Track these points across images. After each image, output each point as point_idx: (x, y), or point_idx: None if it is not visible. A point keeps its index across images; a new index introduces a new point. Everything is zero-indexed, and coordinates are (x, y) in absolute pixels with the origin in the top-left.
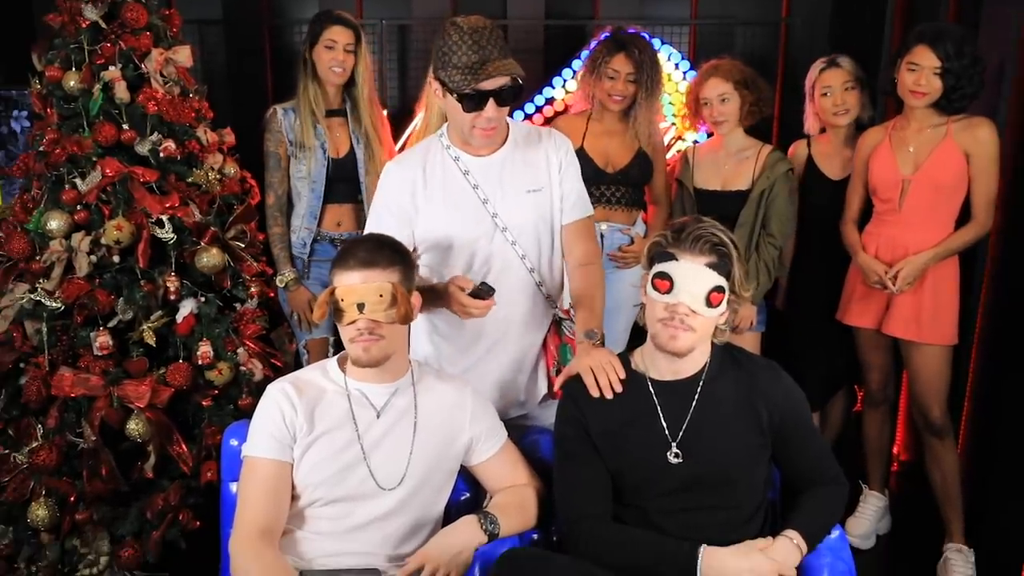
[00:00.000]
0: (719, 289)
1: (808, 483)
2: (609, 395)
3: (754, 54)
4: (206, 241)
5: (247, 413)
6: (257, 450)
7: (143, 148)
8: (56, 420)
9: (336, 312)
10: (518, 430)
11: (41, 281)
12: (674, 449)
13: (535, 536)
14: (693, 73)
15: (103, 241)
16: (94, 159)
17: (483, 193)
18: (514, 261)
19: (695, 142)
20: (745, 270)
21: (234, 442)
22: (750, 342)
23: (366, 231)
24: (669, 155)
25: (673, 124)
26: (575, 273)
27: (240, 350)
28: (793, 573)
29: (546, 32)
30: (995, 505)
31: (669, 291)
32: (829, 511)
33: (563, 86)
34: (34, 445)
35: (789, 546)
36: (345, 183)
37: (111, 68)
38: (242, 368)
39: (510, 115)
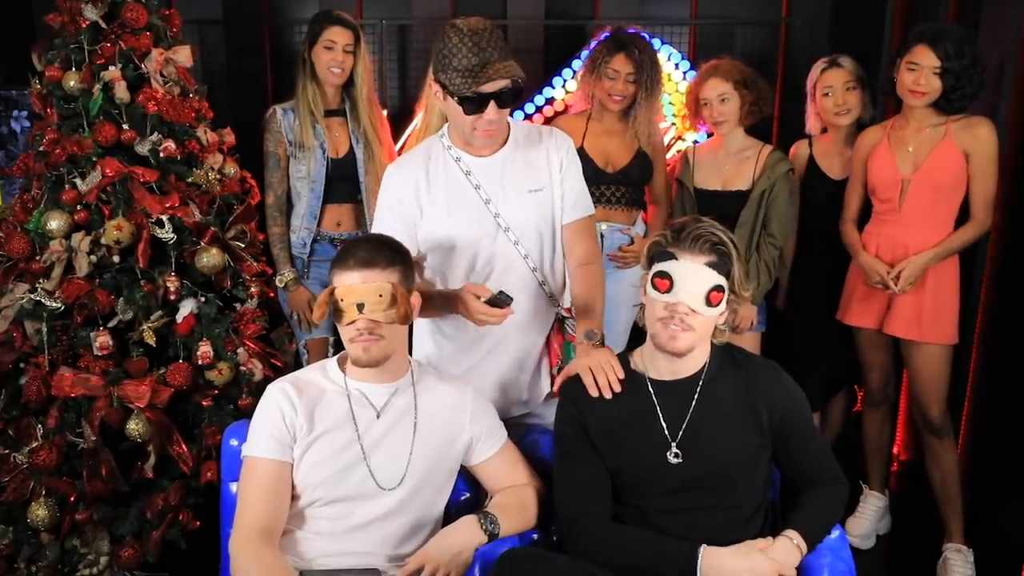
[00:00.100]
0: (719, 288)
1: (808, 483)
2: (608, 395)
3: (754, 54)
4: (206, 241)
5: (247, 413)
6: (257, 450)
7: (143, 148)
8: (56, 420)
9: (336, 312)
10: (518, 430)
11: (41, 281)
12: (674, 449)
13: (535, 536)
14: (693, 73)
15: (103, 241)
16: (94, 159)
17: (485, 193)
18: (516, 261)
19: (695, 142)
20: (745, 270)
21: (234, 442)
22: (750, 342)
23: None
24: (669, 155)
25: (673, 124)
26: (575, 273)
27: (240, 350)
28: (793, 573)
29: (546, 32)
30: (995, 505)
31: (669, 290)
32: (829, 511)
33: (563, 86)
34: (34, 445)
35: (789, 546)
36: (345, 183)
37: (111, 68)
38: (242, 368)
39: (510, 115)
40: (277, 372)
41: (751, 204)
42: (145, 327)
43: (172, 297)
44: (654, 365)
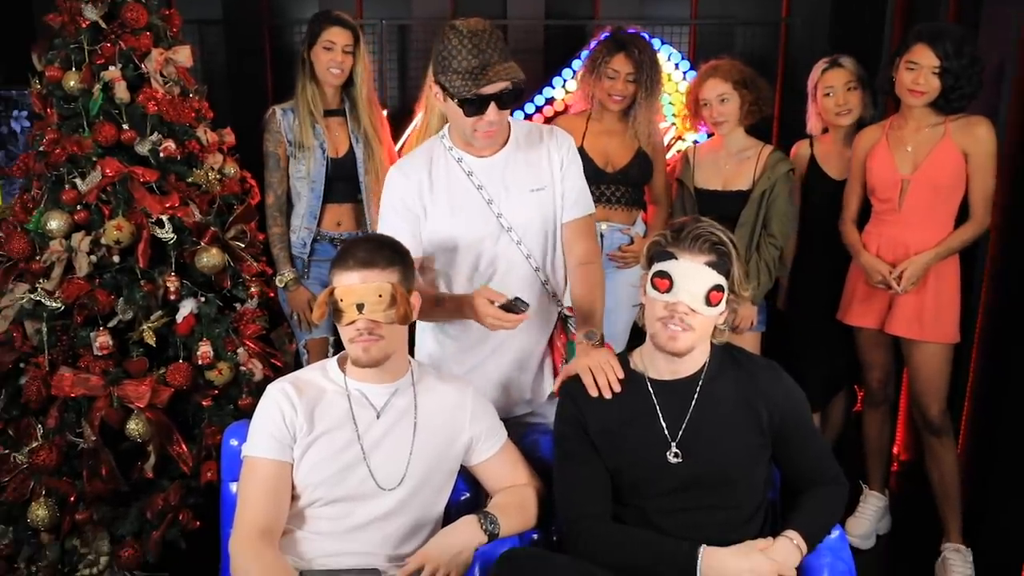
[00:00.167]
0: (718, 288)
1: (808, 483)
2: (608, 395)
3: (754, 54)
4: (206, 241)
5: (247, 413)
6: (257, 450)
7: (143, 148)
8: (56, 420)
9: (335, 312)
10: (520, 429)
11: (41, 281)
12: (673, 449)
13: (535, 536)
14: (693, 73)
15: (103, 241)
16: (94, 159)
17: (488, 194)
18: (519, 260)
19: (695, 142)
20: (744, 270)
21: (234, 442)
22: (750, 342)
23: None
24: (669, 155)
25: (673, 124)
26: (575, 272)
27: (240, 350)
28: (793, 573)
29: (546, 32)
30: (995, 505)
31: (668, 290)
32: (829, 511)
33: (563, 86)
34: (34, 445)
35: (789, 546)
36: (344, 182)
37: (111, 68)
38: (242, 368)
39: (510, 114)
40: (277, 372)
41: (751, 204)
42: (145, 327)
43: (172, 297)
44: (654, 365)
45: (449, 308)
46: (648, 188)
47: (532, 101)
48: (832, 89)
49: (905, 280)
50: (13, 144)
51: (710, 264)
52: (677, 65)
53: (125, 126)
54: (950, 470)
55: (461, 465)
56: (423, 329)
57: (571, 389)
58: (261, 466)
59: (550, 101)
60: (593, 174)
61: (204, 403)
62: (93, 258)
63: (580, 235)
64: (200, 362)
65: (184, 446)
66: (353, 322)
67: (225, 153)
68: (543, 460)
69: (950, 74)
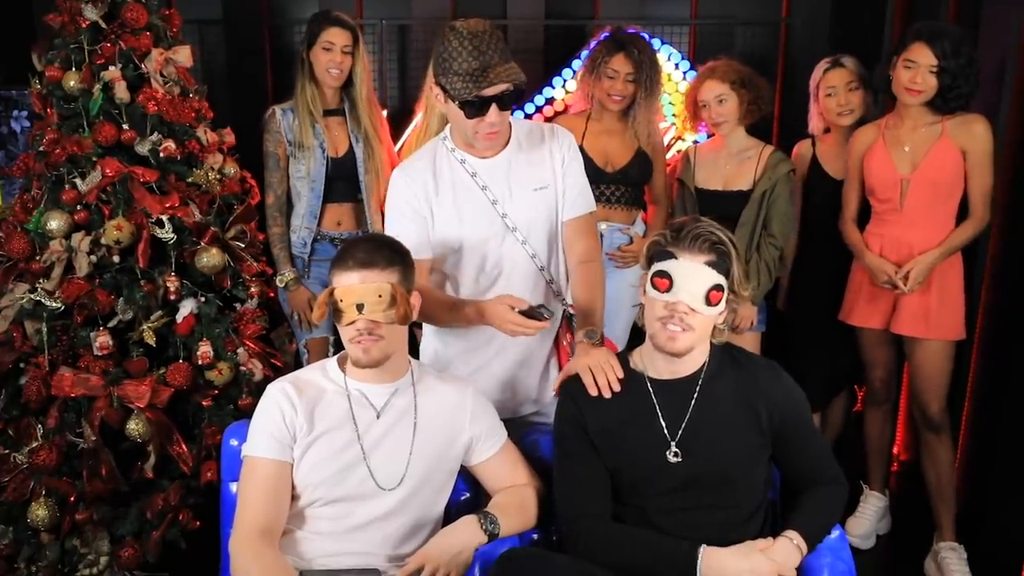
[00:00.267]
0: (718, 288)
1: (808, 483)
2: (607, 394)
3: (754, 54)
4: (206, 241)
5: (247, 413)
6: (257, 450)
7: (143, 148)
8: (56, 420)
9: (335, 312)
10: (519, 429)
11: (41, 281)
12: (673, 448)
13: (535, 536)
14: (693, 73)
15: (103, 241)
16: (94, 159)
17: (492, 194)
18: (524, 260)
19: (695, 142)
20: (744, 269)
21: (234, 442)
22: (750, 342)
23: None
24: (669, 155)
25: (673, 124)
26: (575, 271)
27: (240, 350)
28: (793, 574)
29: (546, 32)
30: (995, 504)
31: (668, 289)
32: (829, 511)
33: (563, 86)
34: (34, 445)
35: (789, 547)
36: (344, 182)
37: (111, 68)
38: (242, 368)
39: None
40: (277, 372)
41: (752, 204)
42: (145, 327)
43: (172, 297)
44: (653, 365)
45: (466, 313)
46: (648, 188)
47: (532, 101)
48: (834, 89)
49: (912, 280)
50: (13, 144)
51: (710, 264)
52: (677, 65)
53: (125, 126)
54: (946, 468)
55: (461, 465)
56: (428, 328)
57: (571, 388)
58: (261, 466)
59: (550, 101)
60: (593, 174)
61: (204, 403)
62: (93, 258)
63: (581, 233)
64: (200, 362)
65: (184, 446)
66: (353, 322)
67: (225, 153)
68: (543, 460)
69: (947, 73)
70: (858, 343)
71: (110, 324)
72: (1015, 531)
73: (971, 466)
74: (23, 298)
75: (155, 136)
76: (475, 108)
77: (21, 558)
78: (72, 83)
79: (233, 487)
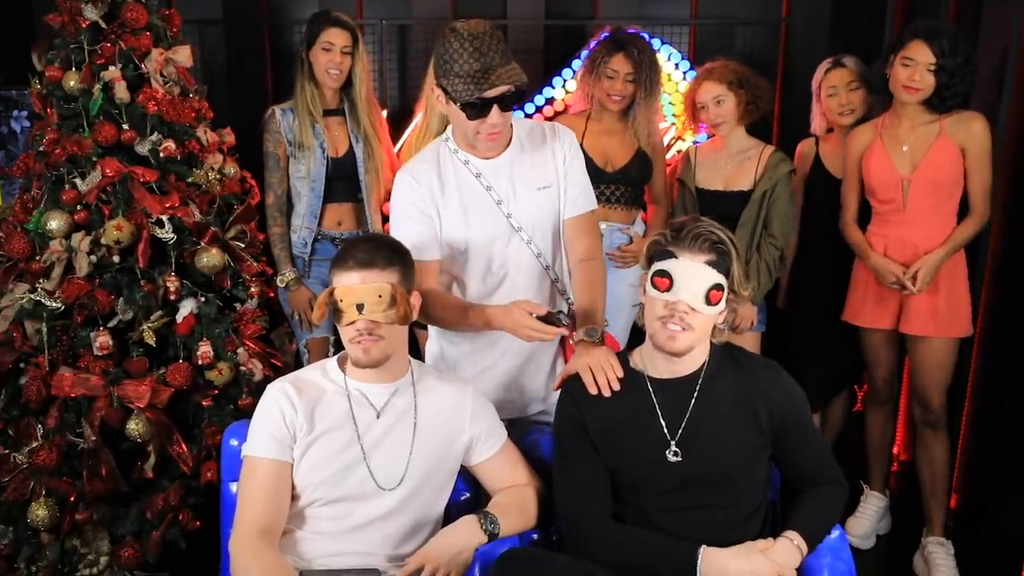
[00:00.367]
0: (718, 287)
1: (808, 483)
2: (607, 393)
3: (754, 54)
4: (206, 241)
5: (247, 413)
6: (257, 450)
7: (143, 148)
8: (56, 420)
9: (335, 312)
10: (523, 429)
11: (41, 281)
12: (673, 447)
13: (535, 536)
14: (693, 73)
15: (103, 241)
16: (94, 159)
17: (496, 194)
18: (530, 260)
19: (696, 142)
20: (744, 269)
21: (234, 442)
22: (750, 342)
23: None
24: (669, 155)
25: (673, 124)
26: (576, 269)
27: (240, 350)
28: (793, 574)
29: (546, 32)
30: (995, 503)
31: (668, 289)
32: (829, 511)
33: (563, 86)
34: (34, 445)
35: (790, 547)
36: (345, 182)
37: (111, 68)
38: (242, 368)
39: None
40: (277, 372)
41: (752, 204)
42: (145, 327)
43: (172, 297)
44: (653, 364)
45: (479, 318)
46: (648, 188)
47: (532, 101)
48: (835, 89)
49: (920, 280)
50: (13, 144)
51: (710, 263)
52: (677, 65)
53: (125, 126)
54: (941, 464)
55: (461, 465)
56: (434, 329)
57: (571, 388)
58: (261, 466)
59: (550, 101)
60: (593, 174)
61: (204, 403)
62: (93, 258)
63: (582, 231)
64: (200, 362)
65: (184, 446)
66: (353, 322)
67: (225, 153)
68: (543, 459)
69: (945, 71)
70: (862, 343)
71: (110, 324)
72: (1015, 530)
73: (971, 464)
74: (23, 298)
75: (155, 136)
76: (477, 110)
77: (21, 558)
78: (72, 83)
79: (233, 487)
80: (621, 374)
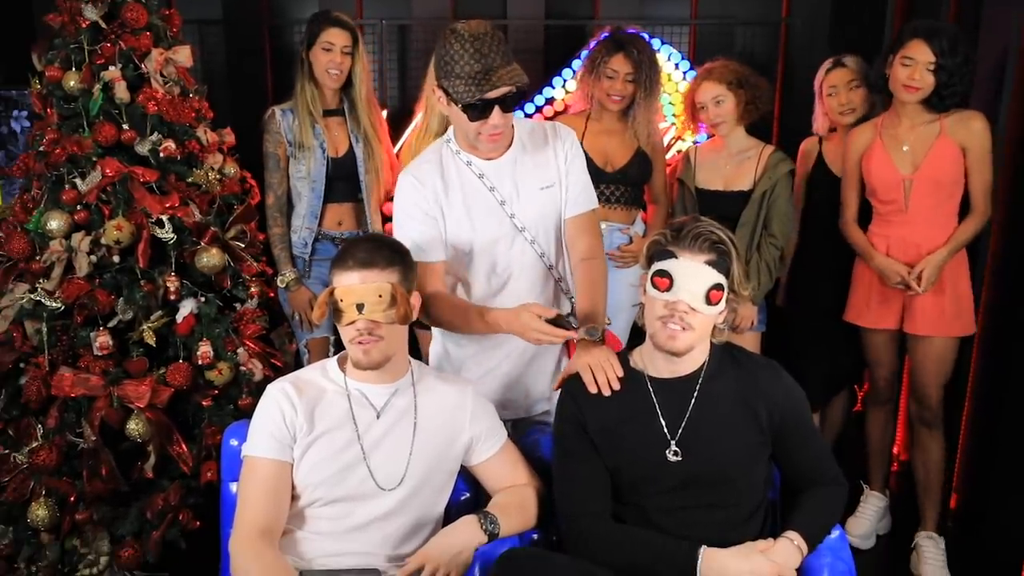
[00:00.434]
0: (718, 287)
1: (808, 483)
2: (607, 392)
3: (754, 54)
4: (206, 241)
5: (247, 413)
6: (257, 450)
7: (143, 148)
8: (56, 420)
9: (335, 312)
10: (521, 429)
11: (41, 281)
12: (673, 447)
13: (535, 536)
14: (693, 73)
15: (103, 241)
16: (94, 159)
17: (500, 195)
18: (534, 260)
19: (696, 142)
20: (744, 269)
21: (234, 442)
22: (751, 342)
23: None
24: (669, 155)
25: (673, 124)
26: (578, 268)
27: (240, 350)
28: (793, 574)
29: (546, 32)
30: (995, 503)
31: (669, 289)
32: (829, 511)
33: (563, 86)
34: (34, 445)
35: (790, 548)
36: (345, 182)
37: (111, 68)
38: (242, 368)
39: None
40: (277, 372)
41: (752, 204)
42: (145, 327)
43: (172, 297)
44: (653, 364)
45: (486, 321)
46: (647, 188)
47: (532, 101)
48: (835, 88)
49: (925, 280)
50: (13, 144)
51: (710, 263)
52: (677, 65)
53: (125, 126)
54: (936, 463)
55: (461, 465)
56: (438, 331)
57: (571, 387)
58: (261, 466)
59: (550, 101)
60: (592, 174)
61: (204, 403)
62: (93, 258)
63: (583, 230)
64: (200, 362)
65: (184, 446)
66: (353, 322)
67: (225, 153)
68: (543, 459)
69: (944, 71)
70: (864, 343)
71: (110, 324)
72: (1015, 530)
73: (971, 464)
74: (23, 298)
75: (155, 136)
76: (478, 111)
77: (21, 558)
78: (72, 83)
79: (233, 487)
80: (621, 373)
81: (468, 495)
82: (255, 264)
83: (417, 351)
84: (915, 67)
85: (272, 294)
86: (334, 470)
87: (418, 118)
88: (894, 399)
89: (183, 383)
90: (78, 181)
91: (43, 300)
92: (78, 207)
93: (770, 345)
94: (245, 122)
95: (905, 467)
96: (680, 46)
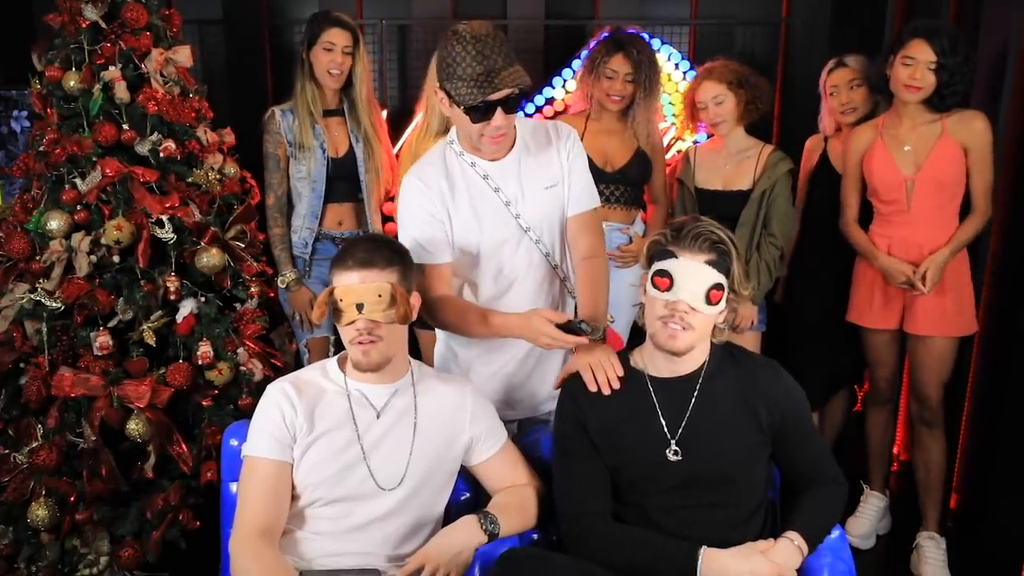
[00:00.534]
0: (718, 287)
1: (808, 483)
2: (607, 391)
3: (754, 54)
4: (206, 241)
5: (247, 413)
6: (257, 450)
7: (143, 148)
8: (56, 420)
9: (335, 312)
10: (525, 428)
11: (41, 281)
12: (673, 446)
13: (535, 536)
14: (693, 73)
15: (103, 241)
16: (94, 159)
17: (505, 196)
18: (540, 260)
19: (695, 142)
20: (744, 269)
21: (234, 442)
22: (751, 342)
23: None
24: (669, 155)
25: (673, 124)
26: (579, 267)
27: (240, 350)
28: (794, 575)
29: (546, 32)
30: (995, 503)
31: (669, 289)
32: (829, 511)
33: (563, 86)
34: (34, 445)
35: (790, 548)
36: (345, 182)
37: (111, 68)
38: (242, 368)
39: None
40: (277, 372)
41: (752, 204)
42: (145, 327)
43: (172, 297)
44: (653, 363)
45: (496, 325)
46: (647, 188)
47: (532, 101)
48: (836, 88)
49: (929, 280)
50: (13, 144)
51: (710, 263)
52: (677, 65)
53: (125, 126)
54: (937, 462)
55: (461, 465)
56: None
57: (571, 387)
58: (261, 466)
59: (550, 101)
60: (592, 173)
61: (204, 403)
62: (93, 258)
63: (585, 229)
64: (200, 362)
65: (184, 446)
66: (353, 322)
67: (225, 153)
68: (543, 459)
69: (945, 70)
70: (864, 343)
71: (110, 324)
72: (1015, 529)
73: (971, 464)
74: (23, 298)
75: (155, 136)
76: (480, 113)
77: (21, 558)
78: (72, 83)
79: (233, 487)
80: (621, 372)
81: (468, 495)
82: (255, 264)
83: (417, 351)
84: (916, 67)
85: (272, 294)
86: (334, 470)
87: (418, 118)
88: (894, 399)
89: (183, 383)
90: (78, 181)
91: (43, 300)
92: (78, 207)
93: (771, 345)
94: (245, 122)
95: (905, 467)
96: (680, 46)
